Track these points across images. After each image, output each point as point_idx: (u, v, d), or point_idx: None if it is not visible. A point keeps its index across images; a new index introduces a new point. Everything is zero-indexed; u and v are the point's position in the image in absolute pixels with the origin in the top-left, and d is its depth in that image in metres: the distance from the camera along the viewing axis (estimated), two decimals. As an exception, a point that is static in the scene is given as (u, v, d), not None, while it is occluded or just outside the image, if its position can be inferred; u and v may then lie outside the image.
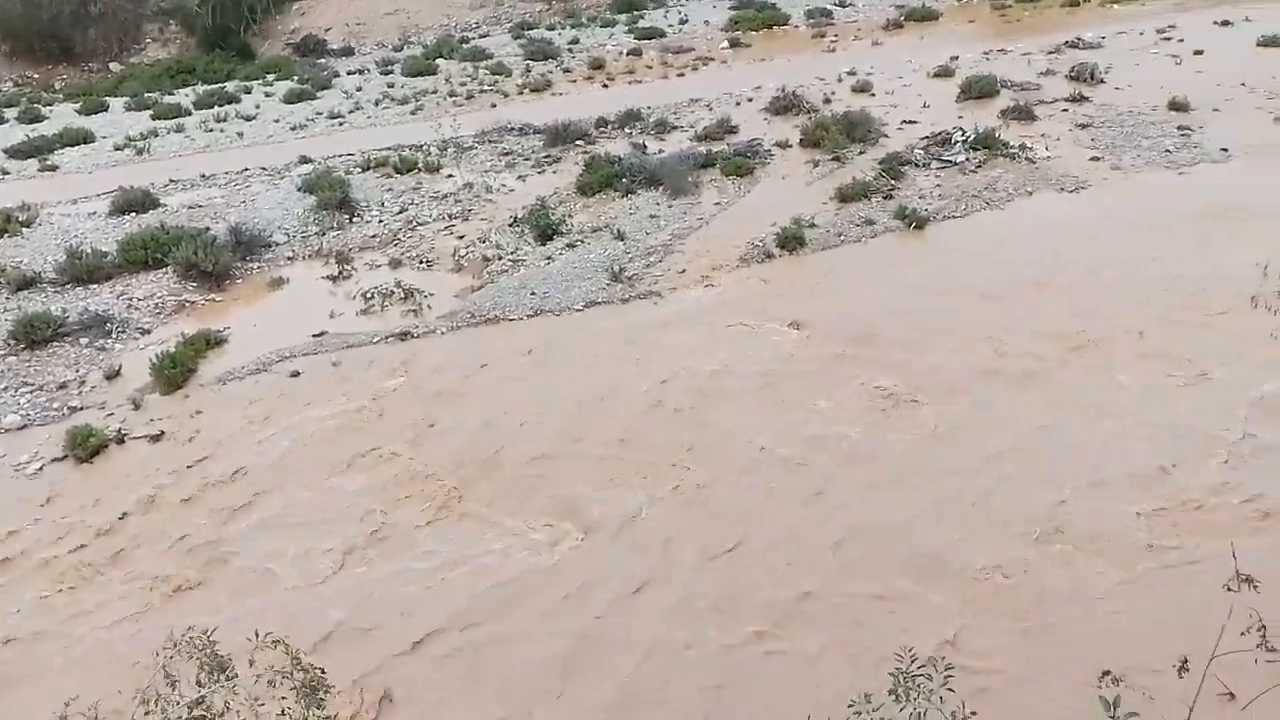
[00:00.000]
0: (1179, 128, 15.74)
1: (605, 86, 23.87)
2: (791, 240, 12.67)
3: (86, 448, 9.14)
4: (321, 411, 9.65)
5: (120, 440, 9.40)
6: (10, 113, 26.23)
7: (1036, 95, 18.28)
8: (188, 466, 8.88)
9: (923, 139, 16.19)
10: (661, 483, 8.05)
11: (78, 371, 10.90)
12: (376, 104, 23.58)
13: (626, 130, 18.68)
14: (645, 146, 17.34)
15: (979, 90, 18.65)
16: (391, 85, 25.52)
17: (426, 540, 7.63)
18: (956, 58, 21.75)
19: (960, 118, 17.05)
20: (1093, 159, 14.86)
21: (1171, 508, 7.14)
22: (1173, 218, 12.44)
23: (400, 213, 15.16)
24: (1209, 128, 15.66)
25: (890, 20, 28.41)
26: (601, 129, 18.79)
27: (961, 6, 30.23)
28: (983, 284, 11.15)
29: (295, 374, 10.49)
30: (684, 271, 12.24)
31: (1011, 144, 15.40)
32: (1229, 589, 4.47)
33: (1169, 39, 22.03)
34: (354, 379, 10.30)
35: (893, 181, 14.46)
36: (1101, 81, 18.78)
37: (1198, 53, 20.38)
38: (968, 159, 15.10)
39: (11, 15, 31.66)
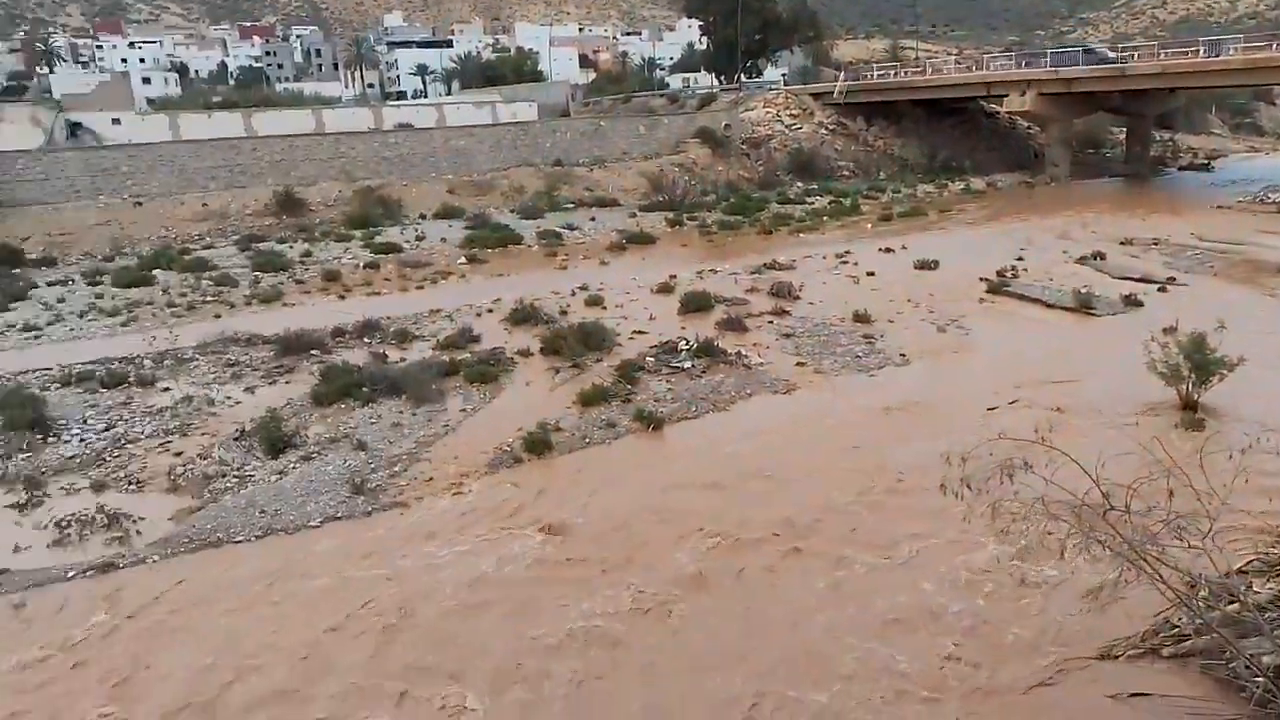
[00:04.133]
0: (864, 337, 18.17)
1: (341, 298, 23.70)
2: (539, 444, 12.87)
3: None
4: (-4, 667, 8.08)
5: None
6: None
7: (745, 309, 20.47)
8: None
9: (652, 347, 17.42)
10: (409, 711, 7.44)
11: None
12: (82, 315, 21.72)
13: (365, 340, 18.50)
14: (386, 355, 17.20)
15: (696, 305, 20.60)
16: (100, 296, 23.71)
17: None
18: (675, 276, 24.00)
19: (683, 328, 18.63)
20: (798, 364, 16.68)
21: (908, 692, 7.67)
22: (870, 413, 14.10)
23: (106, 430, 13.72)
24: (888, 336, 18.21)
25: (614, 243, 31.06)
26: (339, 339, 18.47)
27: (675, 233, 33.77)
28: (716, 478, 11.83)
29: (-38, 624, 8.79)
30: (431, 480, 11.95)
31: (729, 352, 16.96)
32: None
33: (846, 262, 25.80)
34: (42, 622, 8.80)
35: (629, 386, 15.30)
36: (797, 298, 21.44)
37: (870, 274, 23.99)
38: (693, 365, 16.40)
39: None
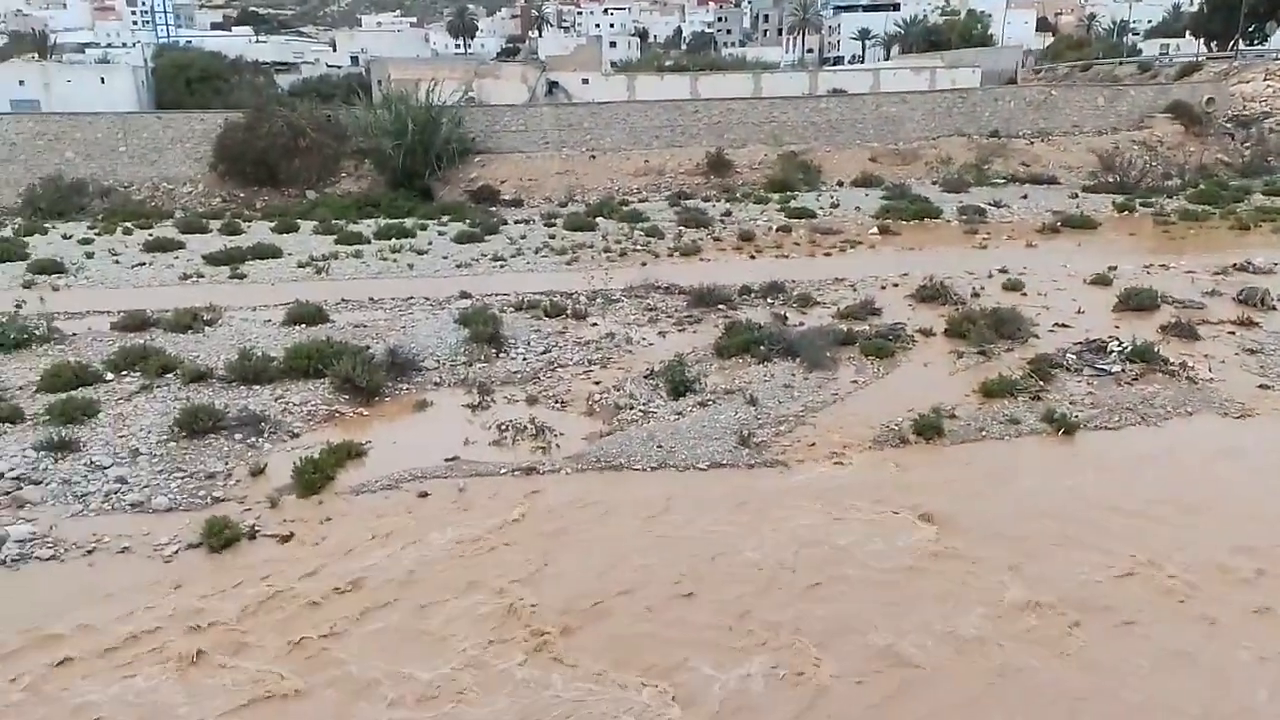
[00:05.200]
0: (1362, 366, 14.76)
1: (752, 258, 24.59)
2: (929, 428, 12.37)
3: (221, 539, 9.57)
4: (443, 535, 9.82)
5: (252, 536, 9.81)
6: (214, 224, 29.39)
7: (1200, 314, 17.61)
8: (309, 571, 9.14)
9: (1076, 344, 15.73)
10: (771, 661, 7.68)
11: (227, 465, 11.56)
12: (537, 251, 25.07)
13: (769, 300, 19.06)
14: (786, 317, 17.60)
15: (1138, 302, 18.15)
16: (553, 236, 27.17)
17: (520, 682, 7.48)
18: (1115, 268, 21.37)
19: (1117, 327, 16.58)
20: (1261, 386, 14.03)
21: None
22: (1354, 459, 11.48)
23: (544, 353, 15.77)
24: (1397, 369, 14.59)
25: (1046, 224, 28.39)
26: (744, 296, 19.25)
27: (1122, 219, 29.99)
28: (1133, 502, 10.47)
29: (424, 494, 10.79)
30: (814, 445, 12.08)
31: (1171, 361, 14.77)
32: None
33: (1350, 272, 21.01)
34: (477, 507, 10.49)
35: (1041, 383, 14.02)
36: (1273, 308, 17.96)
37: (1384, 290, 19.29)
38: (1123, 370, 14.55)
39: (233, 141, 35.82)
